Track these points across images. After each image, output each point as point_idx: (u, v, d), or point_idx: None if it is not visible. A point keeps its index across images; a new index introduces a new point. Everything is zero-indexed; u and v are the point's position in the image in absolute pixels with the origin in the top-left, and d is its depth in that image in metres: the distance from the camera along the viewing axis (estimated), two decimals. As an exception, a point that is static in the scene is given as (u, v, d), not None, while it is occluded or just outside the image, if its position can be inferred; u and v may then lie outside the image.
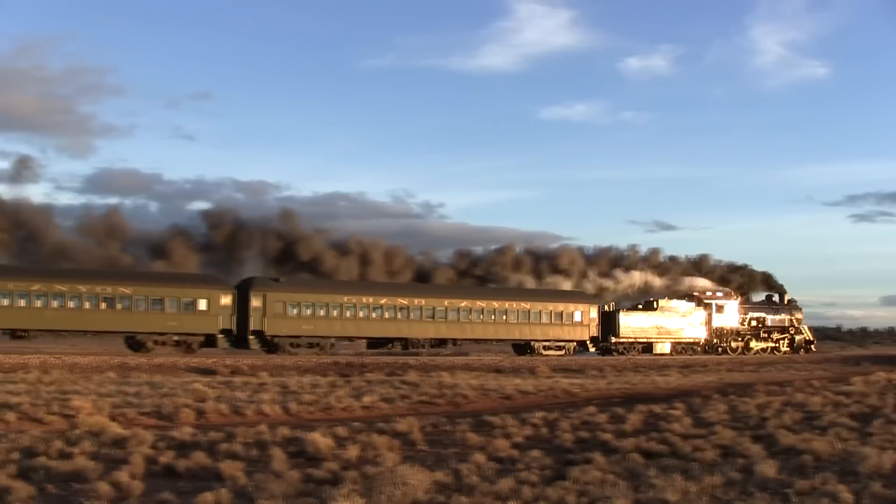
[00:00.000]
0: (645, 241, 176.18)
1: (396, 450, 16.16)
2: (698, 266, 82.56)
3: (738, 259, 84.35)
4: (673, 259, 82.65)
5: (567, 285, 72.32)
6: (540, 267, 74.93)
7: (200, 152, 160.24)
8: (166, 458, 14.81)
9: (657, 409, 23.49)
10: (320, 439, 16.34)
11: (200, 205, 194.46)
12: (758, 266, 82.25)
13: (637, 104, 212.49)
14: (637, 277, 76.86)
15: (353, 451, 15.55)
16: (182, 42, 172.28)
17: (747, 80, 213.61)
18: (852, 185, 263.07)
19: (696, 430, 19.00)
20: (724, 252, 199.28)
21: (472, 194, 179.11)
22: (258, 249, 66.47)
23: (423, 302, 55.08)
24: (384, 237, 75.92)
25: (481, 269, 73.80)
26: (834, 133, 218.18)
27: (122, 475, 12.97)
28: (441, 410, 24.69)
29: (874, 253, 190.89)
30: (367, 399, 25.74)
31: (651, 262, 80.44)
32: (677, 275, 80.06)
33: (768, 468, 13.64)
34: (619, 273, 77.68)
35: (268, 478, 12.90)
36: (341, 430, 18.28)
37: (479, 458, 15.05)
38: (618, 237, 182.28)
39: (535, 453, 15.82)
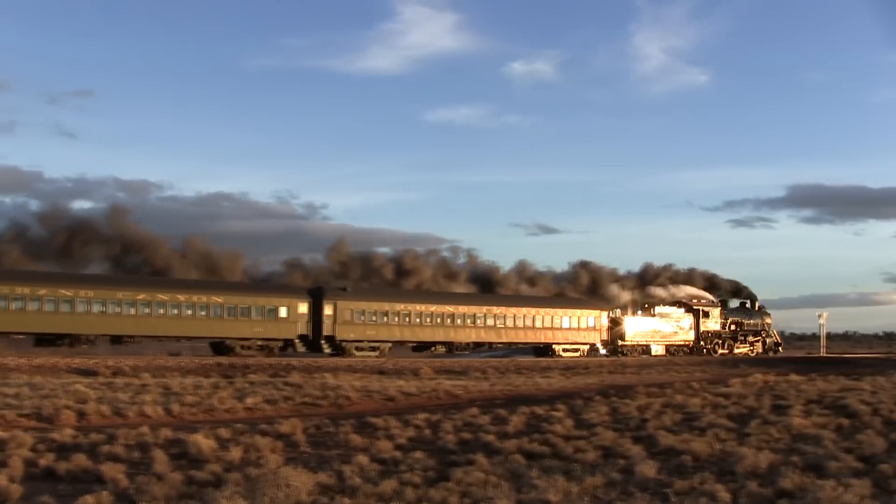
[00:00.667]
0: (527, 245, 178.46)
1: (279, 451, 16.01)
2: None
3: (619, 262, 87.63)
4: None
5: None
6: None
7: (82, 150, 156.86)
8: (46, 460, 14.48)
9: (539, 410, 23.68)
10: (203, 441, 16.10)
11: (82, 204, 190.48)
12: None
13: (522, 108, 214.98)
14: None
15: (235, 453, 15.37)
16: (64, 39, 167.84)
17: (630, 86, 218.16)
18: (731, 190, 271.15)
19: (577, 432, 19.21)
20: (605, 256, 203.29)
21: (356, 195, 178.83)
22: (96, 250, 65.36)
23: (466, 310, 60.25)
24: (267, 238, 75.22)
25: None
26: (714, 139, 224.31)
27: (1, 478, 12.64)
28: (324, 412, 24.50)
29: (753, 257, 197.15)
30: (249, 400, 25.44)
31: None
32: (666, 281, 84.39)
33: (648, 469, 13.82)
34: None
35: (150, 480, 12.68)
36: (224, 432, 18.06)
37: (362, 459, 14.97)
38: (502, 240, 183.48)
39: (418, 455, 15.79)
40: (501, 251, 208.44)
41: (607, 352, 65.89)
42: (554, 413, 22.88)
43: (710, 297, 77.13)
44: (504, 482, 12.85)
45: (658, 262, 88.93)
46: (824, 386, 31.88)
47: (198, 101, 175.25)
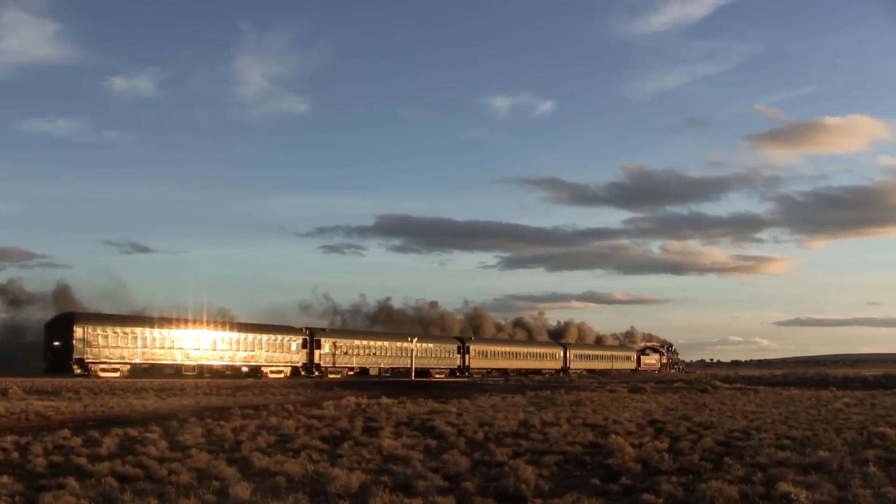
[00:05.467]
0: (121, 263, 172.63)
1: None
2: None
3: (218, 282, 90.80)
4: None
5: None
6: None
7: None
8: None
9: (133, 432, 23.02)
10: None
11: None
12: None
13: (121, 124, 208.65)
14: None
15: None
16: None
17: (230, 109, 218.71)
18: (324, 217, 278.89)
19: (172, 454, 18.85)
20: (199, 274, 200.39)
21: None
22: None
23: None
24: None
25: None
26: (309, 167, 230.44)
27: None
28: None
29: (344, 283, 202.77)
30: None
31: None
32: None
33: (243, 490, 13.81)
34: None
35: None
36: None
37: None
38: (94, 258, 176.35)
39: (5, 479, 14.93)
40: (93, 269, 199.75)
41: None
42: (148, 435, 22.32)
43: (657, 342, 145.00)
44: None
45: (255, 285, 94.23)
46: (414, 408, 33.45)
47: None
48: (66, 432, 22.38)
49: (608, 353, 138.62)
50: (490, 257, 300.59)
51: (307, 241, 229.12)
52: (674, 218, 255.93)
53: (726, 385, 62.14)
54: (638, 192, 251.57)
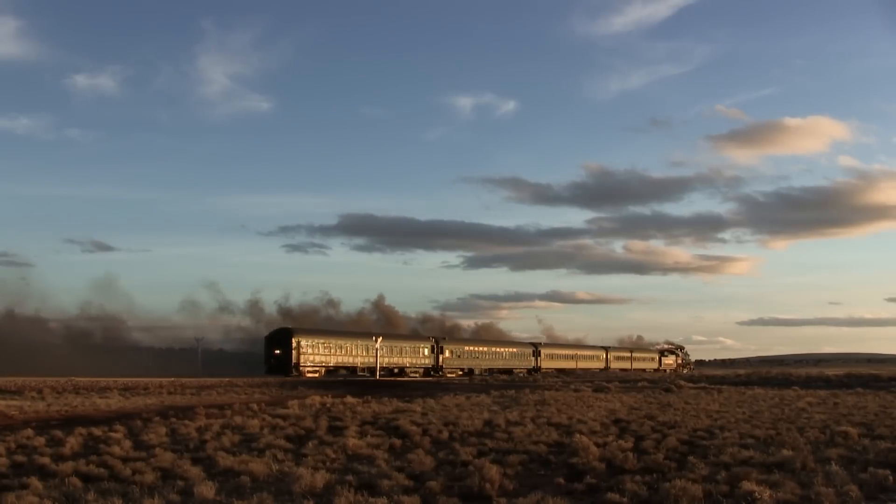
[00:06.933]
0: (84, 261, 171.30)
1: None
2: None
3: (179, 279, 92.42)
4: None
5: None
6: None
7: None
8: None
9: (97, 431, 22.89)
10: None
11: None
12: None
13: (83, 122, 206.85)
14: None
15: None
16: None
17: (193, 108, 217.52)
18: (286, 216, 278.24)
19: (136, 453, 18.76)
20: (163, 274, 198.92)
21: None
22: None
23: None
24: None
25: None
26: (272, 166, 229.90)
27: None
28: None
29: (308, 282, 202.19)
30: None
31: None
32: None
33: (207, 490, 13.75)
34: None
35: None
36: None
37: None
38: (56, 256, 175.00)
39: (-37, 479, 14.68)
40: (56, 267, 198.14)
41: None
42: (112, 434, 22.21)
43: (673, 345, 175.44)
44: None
45: (223, 282, 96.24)
46: (378, 408, 33.44)
47: None
48: (30, 432, 22.25)
49: (640, 354, 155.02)
50: (453, 257, 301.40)
51: (270, 240, 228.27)
52: (636, 218, 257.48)
53: (690, 384, 62.61)
54: (600, 191, 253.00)
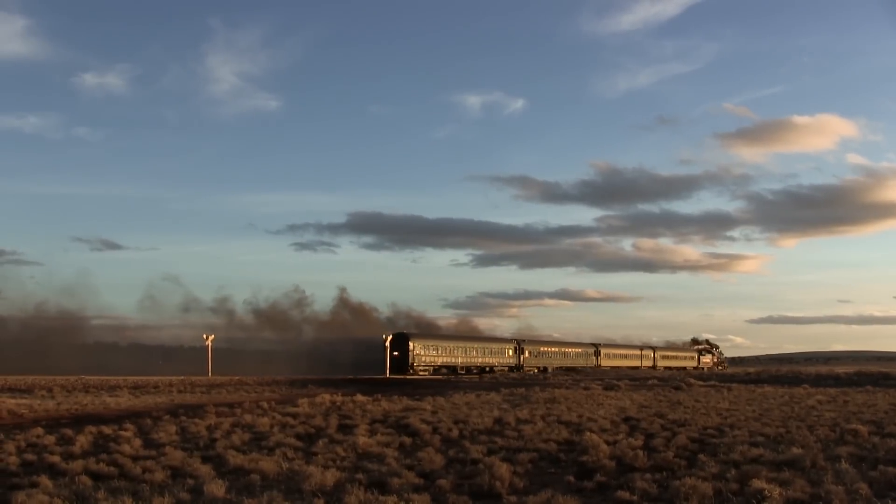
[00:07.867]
0: (92, 260, 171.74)
1: None
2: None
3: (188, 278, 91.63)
4: None
5: None
6: None
7: None
8: None
9: (107, 430, 22.92)
10: None
11: None
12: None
13: (91, 121, 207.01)
14: None
15: None
16: None
17: (201, 107, 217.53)
18: (294, 214, 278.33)
19: (146, 452, 18.81)
20: (169, 272, 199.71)
21: None
22: None
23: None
24: None
25: None
26: (280, 164, 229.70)
27: None
28: None
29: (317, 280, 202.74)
30: None
31: None
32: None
33: (217, 488, 13.77)
34: None
35: None
36: None
37: None
38: (64, 255, 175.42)
39: (-24, 478, 14.72)
40: (65, 265, 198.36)
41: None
42: (122, 433, 22.25)
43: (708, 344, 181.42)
44: (68, 505, 12.29)
45: (228, 282, 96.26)
46: (389, 406, 33.45)
47: None
48: (40, 430, 22.28)
49: (682, 353, 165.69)
50: (462, 255, 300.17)
51: (278, 238, 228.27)
52: (645, 216, 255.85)
53: (700, 383, 62.48)
54: (609, 190, 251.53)
